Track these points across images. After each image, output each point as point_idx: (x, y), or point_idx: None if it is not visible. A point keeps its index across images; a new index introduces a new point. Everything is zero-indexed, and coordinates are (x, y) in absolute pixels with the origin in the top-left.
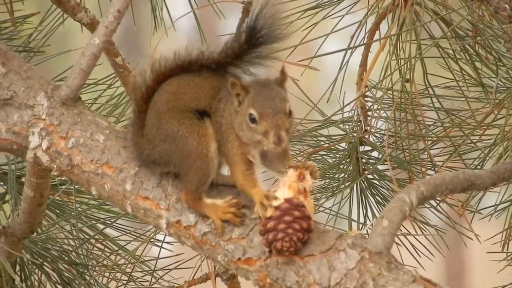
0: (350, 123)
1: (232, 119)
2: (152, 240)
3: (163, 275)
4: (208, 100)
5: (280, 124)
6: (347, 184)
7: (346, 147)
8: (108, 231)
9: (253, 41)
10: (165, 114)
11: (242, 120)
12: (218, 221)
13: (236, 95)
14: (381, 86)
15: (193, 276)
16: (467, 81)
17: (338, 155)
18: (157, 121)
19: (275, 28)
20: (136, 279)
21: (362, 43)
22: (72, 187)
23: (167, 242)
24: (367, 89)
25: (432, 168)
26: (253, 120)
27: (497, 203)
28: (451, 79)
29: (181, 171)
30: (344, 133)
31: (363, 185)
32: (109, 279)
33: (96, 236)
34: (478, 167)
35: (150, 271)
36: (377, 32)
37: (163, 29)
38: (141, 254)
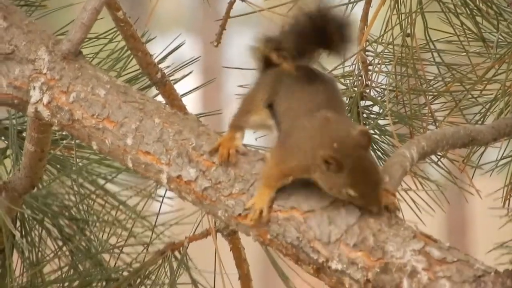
0: (351, 78)
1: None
2: (152, 195)
3: (163, 231)
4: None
5: (379, 199)
6: None
7: (347, 101)
8: (109, 186)
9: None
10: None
11: (333, 184)
12: (215, 145)
13: (325, 162)
14: (382, 40)
15: (194, 232)
16: (468, 35)
17: None
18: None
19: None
20: (136, 234)
21: None
22: (72, 142)
23: (168, 197)
24: (368, 43)
25: (433, 123)
26: (350, 196)
27: (498, 158)
28: (452, 34)
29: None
30: (345, 87)
31: None
32: (110, 235)
33: (97, 191)
34: (479, 122)
35: (151, 227)
36: None
37: None
38: (142, 209)
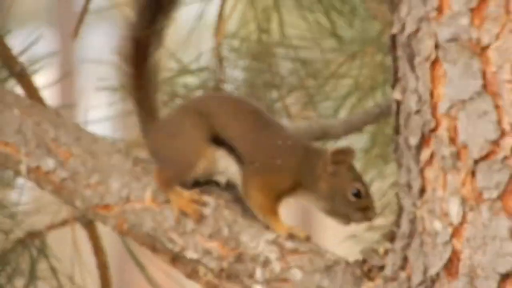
0: (207, 72)
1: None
2: (11, 184)
3: (23, 219)
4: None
5: (374, 205)
6: None
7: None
8: None
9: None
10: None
11: (335, 191)
12: (176, 211)
13: (334, 163)
14: (237, 36)
15: (53, 221)
16: (322, 31)
17: None
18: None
19: None
20: None
21: None
22: None
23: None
24: (223, 39)
25: (287, 117)
26: (357, 195)
27: None
28: (306, 30)
29: (164, 154)
30: (201, 81)
31: None
32: None
33: None
34: (332, 116)
35: (11, 215)
36: None
37: None
38: (1, 199)
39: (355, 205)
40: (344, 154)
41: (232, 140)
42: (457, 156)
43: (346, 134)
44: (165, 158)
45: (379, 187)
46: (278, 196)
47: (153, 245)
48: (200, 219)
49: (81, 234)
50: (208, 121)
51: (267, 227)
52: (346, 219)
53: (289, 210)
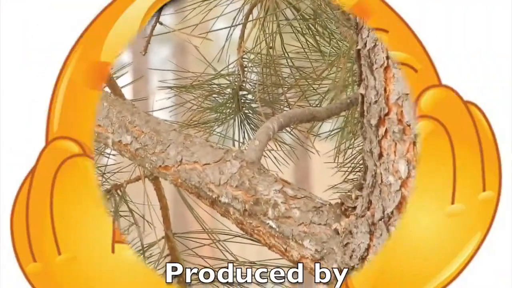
0: (233, 76)
1: None
2: (102, 153)
3: (110, 176)
4: None
5: None
6: (231, 116)
7: (230, 91)
8: None
9: None
10: None
11: None
12: None
13: None
14: (253, 51)
15: (130, 177)
16: (310, 48)
17: (225, 97)
18: None
19: None
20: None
21: (240, 22)
22: None
23: (113, 154)
24: (244, 53)
25: (287, 106)
26: None
27: (331, 129)
28: (299, 47)
29: None
30: (229, 82)
31: (242, 117)
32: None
33: None
34: (318, 105)
35: (102, 173)
36: (251, 15)
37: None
38: (96, 161)
39: None
40: None
41: None
42: (403, 131)
43: (328, 117)
44: None
45: (351, 153)
46: None
47: (198, 193)
48: None
49: (149, 186)
50: None
51: (276, 180)
52: None
53: (287, 169)
